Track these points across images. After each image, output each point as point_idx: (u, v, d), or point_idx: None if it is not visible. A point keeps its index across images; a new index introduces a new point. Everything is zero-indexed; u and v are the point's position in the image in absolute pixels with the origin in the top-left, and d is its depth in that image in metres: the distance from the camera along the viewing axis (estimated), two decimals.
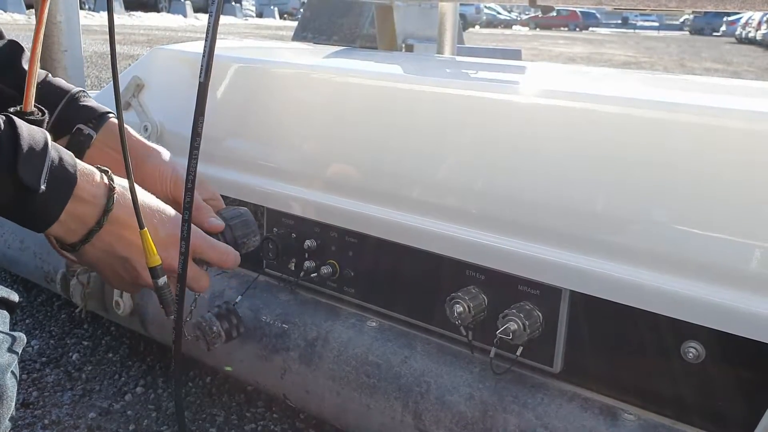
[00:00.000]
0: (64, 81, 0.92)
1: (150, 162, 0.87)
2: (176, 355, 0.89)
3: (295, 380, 1.01)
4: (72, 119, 0.86)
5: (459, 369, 0.89)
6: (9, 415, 0.67)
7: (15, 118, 0.65)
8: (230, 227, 0.87)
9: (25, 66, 0.86)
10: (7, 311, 0.73)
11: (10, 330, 0.72)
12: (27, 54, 0.88)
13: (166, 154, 0.89)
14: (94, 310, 1.31)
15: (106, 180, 0.72)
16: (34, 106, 0.73)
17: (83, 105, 0.88)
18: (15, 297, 0.74)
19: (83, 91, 0.91)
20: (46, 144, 0.66)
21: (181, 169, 0.86)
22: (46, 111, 0.74)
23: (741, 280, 0.71)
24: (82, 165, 0.71)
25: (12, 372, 0.68)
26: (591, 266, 0.79)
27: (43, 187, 0.65)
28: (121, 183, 0.74)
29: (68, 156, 0.69)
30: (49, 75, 0.92)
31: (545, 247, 0.82)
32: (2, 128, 0.63)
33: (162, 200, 0.80)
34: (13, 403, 0.68)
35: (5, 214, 0.67)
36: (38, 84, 0.84)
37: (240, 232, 0.87)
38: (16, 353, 0.70)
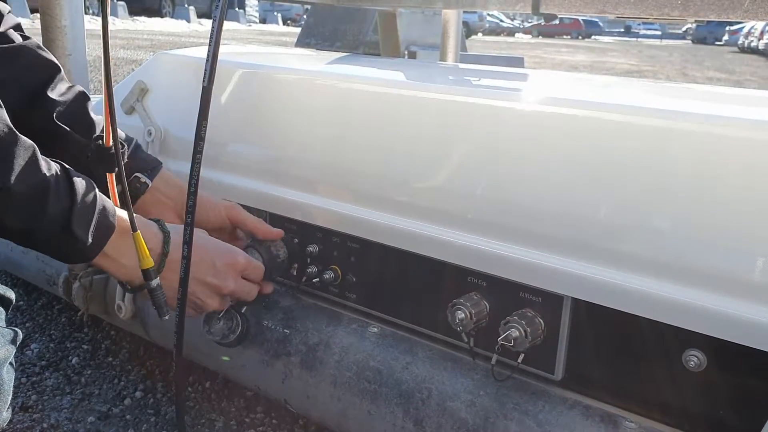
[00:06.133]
0: (120, 131, 1.02)
1: (205, 200, 1.01)
2: (177, 359, 0.90)
3: (296, 385, 1.00)
4: (131, 168, 0.99)
5: (460, 375, 0.89)
6: (7, 407, 0.70)
7: (70, 170, 0.74)
8: (267, 264, 1.01)
9: (92, 114, 0.98)
10: (3, 308, 0.75)
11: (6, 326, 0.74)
12: (92, 103, 1.00)
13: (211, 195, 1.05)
14: (96, 313, 1.31)
15: (161, 229, 0.85)
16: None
17: (140, 156, 1.03)
18: (11, 294, 0.79)
19: (137, 141, 1.04)
20: (95, 198, 0.76)
21: (226, 202, 1.04)
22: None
23: (743, 289, 0.71)
24: (141, 218, 0.82)
25: (10, 364, 0.71)
26: (593, 274, 0.78)
27: (90, 240, 0.74)
28: (174, 228, 0.86)
29: (110, 205, 0.78)
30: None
31: (547, 255, 0.82)
32: (60, 182, 0.72)
33: (220, 226, 1.01)
34: (10, 396, 0.71)
35: (44, 251, 0.75)
36: (98, 135, 0.96)
37: (275, 273, 1.04)
38: (13, 347, 0.72)
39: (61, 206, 0.71)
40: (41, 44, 1.00)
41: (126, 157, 0.98)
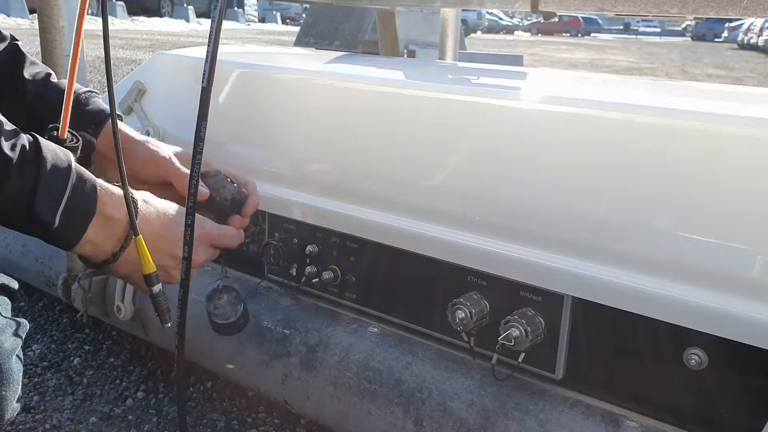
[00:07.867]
0: (65, 82, 0.90)
1: (140, 153, 0.91)
2: (179, 360, 0.89)
3: (296, 386, 1.00)
4: (76, 126, 0.86)
5: (460, 375, 0.89)
6: (16, 398, 0.69)
7: (42, 140, 0.66)
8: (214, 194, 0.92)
9: (26, 74, 0.91)
10: (8, 299, 0.75)
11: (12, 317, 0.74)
12: (28, 62, 0.91)
13: (154, 142, 0.93)
14: (95, 314, 1.31)
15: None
16: (69, 132, 0.75)
17: (85, 110, 0.91)
18: (15, 284, 0.77)
19: (90, 91, 0.93)
20: (68, 175, 0.67)
21: (170, 151, 0.92)
22: (80, 138, 0.76)
23: (743, 287, 0.71)
24: (106, 188, 0.73)
25: (17, 356, 0.71)
26: (593, 272, 0.78)
27: (57, 222, 0.66)
28: (142, 197, 0.78)
29: (89, 182, 0.70)
30: (53, 75, 0.94)
31: (547, 254, 0.82)
32: (27, 153, 0.64)
33: (155, 184, 0.87)
34: (19, 387, 0.71)
35: (28, 233, 0.69)
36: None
37: (220, 196, 0.93)
38: (20, 337, 0.72)
39: (22, 184, 0.64)
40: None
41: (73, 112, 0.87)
